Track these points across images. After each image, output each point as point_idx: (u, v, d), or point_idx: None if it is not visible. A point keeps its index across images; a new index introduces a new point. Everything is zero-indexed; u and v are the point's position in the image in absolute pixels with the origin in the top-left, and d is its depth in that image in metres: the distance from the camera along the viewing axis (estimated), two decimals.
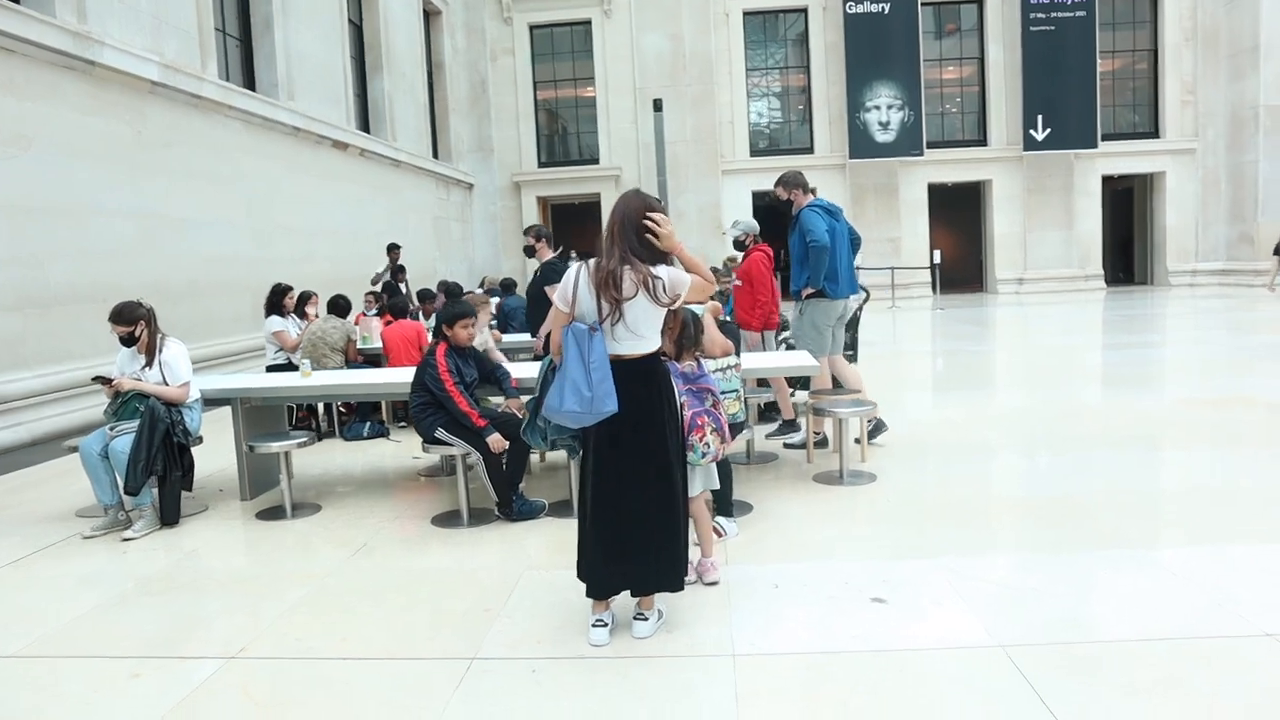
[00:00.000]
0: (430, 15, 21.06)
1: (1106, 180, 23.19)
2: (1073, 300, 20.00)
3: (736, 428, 4.51)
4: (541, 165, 23.05)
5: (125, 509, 5.13)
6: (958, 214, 23.92)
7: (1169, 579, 3.71)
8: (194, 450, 5.34)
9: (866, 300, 7.96)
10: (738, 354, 4.73)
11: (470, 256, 22.70)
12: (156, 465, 5.02)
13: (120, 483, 5.07)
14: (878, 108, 22.02)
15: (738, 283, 7.40)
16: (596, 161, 22.73)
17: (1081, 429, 6.77)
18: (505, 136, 22.72)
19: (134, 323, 5.25)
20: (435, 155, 21.33)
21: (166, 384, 5.25)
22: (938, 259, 21.47)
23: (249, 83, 13.14)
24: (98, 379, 5.23)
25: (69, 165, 8.81)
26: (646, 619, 3.48)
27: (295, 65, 13.75)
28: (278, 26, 13.29)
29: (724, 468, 4.50)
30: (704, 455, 3.73)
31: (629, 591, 3.48)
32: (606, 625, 3.43)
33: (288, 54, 13.55)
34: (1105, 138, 22.33)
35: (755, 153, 23.24)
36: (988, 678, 2.94)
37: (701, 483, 3.90)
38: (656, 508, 3.45)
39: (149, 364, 5.27)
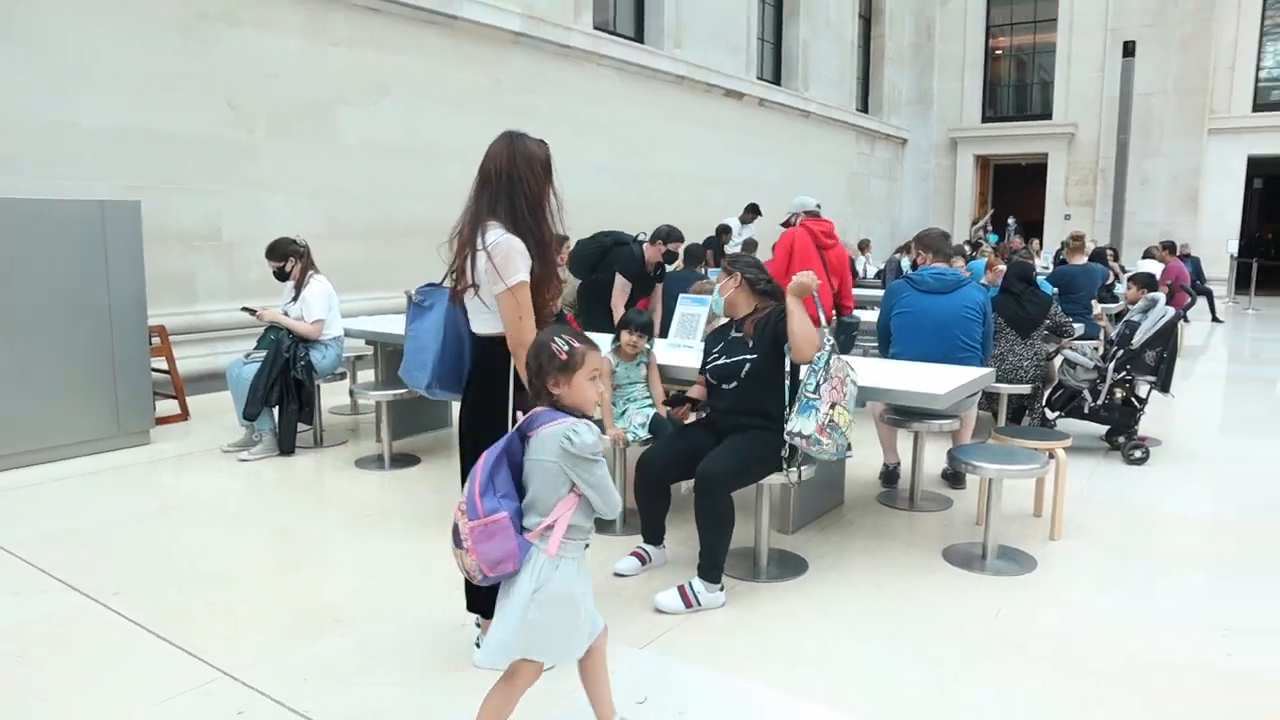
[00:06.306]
0: None
1: None
2: None
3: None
4: (985, 120, 20.64)
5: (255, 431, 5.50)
6: None
7: None
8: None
9: (1173, 319, 5.74)
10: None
11: (895, 217, 21.30)
12: (272, 396, 5.29)
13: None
14: None
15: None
16: (1049, 117, 19.72)
17: None
18: (947, 88, 20.70)
19: (285, 258, 5.54)
20: (865, 108, 20.21)
21: (304, 319, 5.48)
22: None
23: (638, 32, 13.41)
24: (245, 309, 5.63)
25: (425, 111, 9.66)
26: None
27: (686, 13, 13.70)
28: None
29: (723, 512, 3.45)
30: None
31: None
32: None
33: (678, 2, 13.54)
34: None
35: (1261, 107, 18.34)
36: None
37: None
38: None
39: (295, 299, 5.54)
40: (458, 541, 2.16)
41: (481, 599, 2.83)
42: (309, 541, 4.19)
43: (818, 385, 3.42)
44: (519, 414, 2.34)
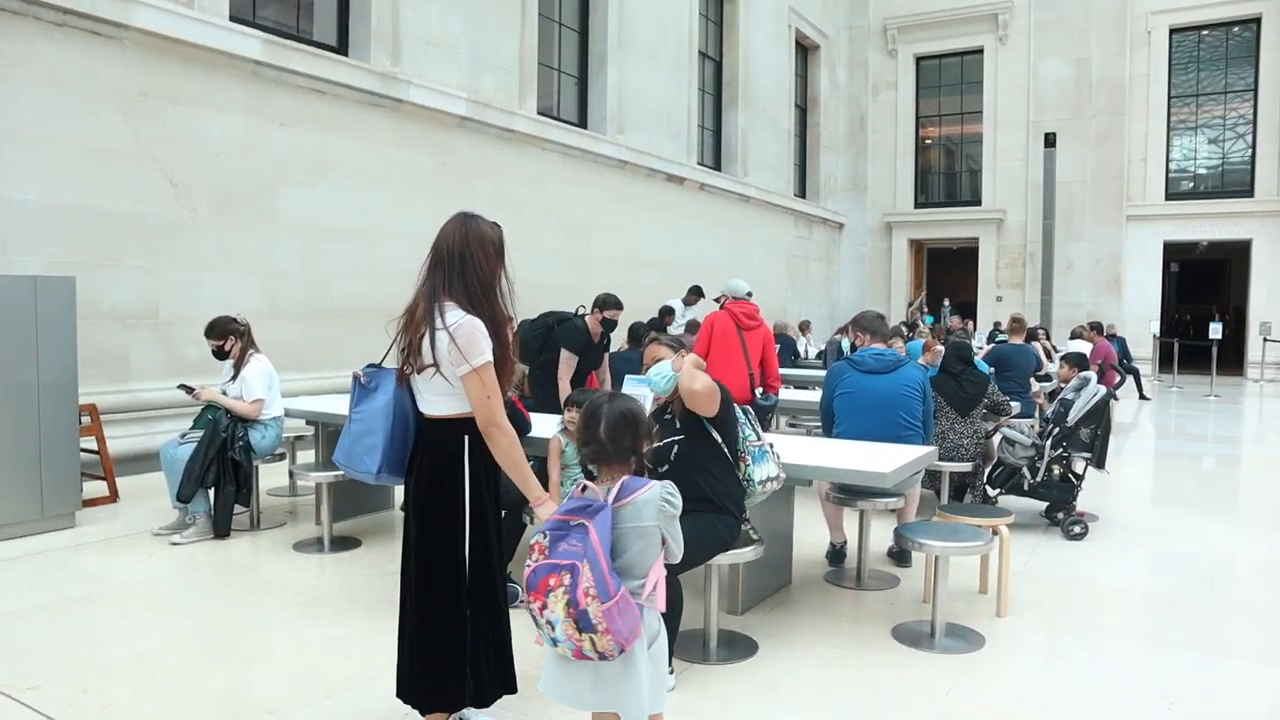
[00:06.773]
0: (808, 50, 20.62)
1: None
2: None
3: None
4: (918, 206, 21.40)
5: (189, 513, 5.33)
6: None
7: None
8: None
9: (1105, 397, 5.93)
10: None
11: (834, 299, 21.78)
12: (208, 477, 5.15)
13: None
14: None
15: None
16: (978, 203, 20.54)
17: None
18: (881, 175, 21.47)
19: (224, 336, 5.45)
20: (802, 193, 20.81)
21: (243, 399, 5.38)
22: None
23: (581, 117, 13.71)
24: (182, 386, 5.51)
25: (368, 192, 9.68)
26: None
27: (628, 101, 14.06)
28: (611, 64, 13.69)
29: (672, 595, 3.38)
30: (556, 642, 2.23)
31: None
32: None
33: (620, 90, 13.89)
34: None
35: (1173, 196, 19.38)
36: None
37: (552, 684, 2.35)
38: (416, 603, 2.74)
39: (234, 378, 5.43)
40: (588, 627, 2.14)
41: (422, 694, 2.74)
42: (243, 628, 4.02)
43: (756, 432, 3.65)
44: (586, 485, 2.38)
